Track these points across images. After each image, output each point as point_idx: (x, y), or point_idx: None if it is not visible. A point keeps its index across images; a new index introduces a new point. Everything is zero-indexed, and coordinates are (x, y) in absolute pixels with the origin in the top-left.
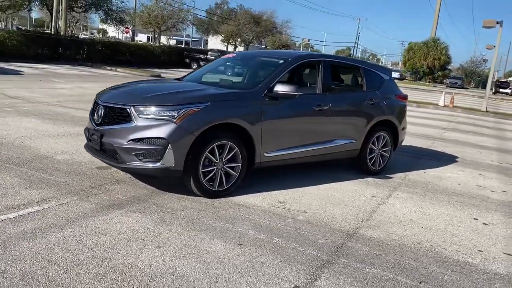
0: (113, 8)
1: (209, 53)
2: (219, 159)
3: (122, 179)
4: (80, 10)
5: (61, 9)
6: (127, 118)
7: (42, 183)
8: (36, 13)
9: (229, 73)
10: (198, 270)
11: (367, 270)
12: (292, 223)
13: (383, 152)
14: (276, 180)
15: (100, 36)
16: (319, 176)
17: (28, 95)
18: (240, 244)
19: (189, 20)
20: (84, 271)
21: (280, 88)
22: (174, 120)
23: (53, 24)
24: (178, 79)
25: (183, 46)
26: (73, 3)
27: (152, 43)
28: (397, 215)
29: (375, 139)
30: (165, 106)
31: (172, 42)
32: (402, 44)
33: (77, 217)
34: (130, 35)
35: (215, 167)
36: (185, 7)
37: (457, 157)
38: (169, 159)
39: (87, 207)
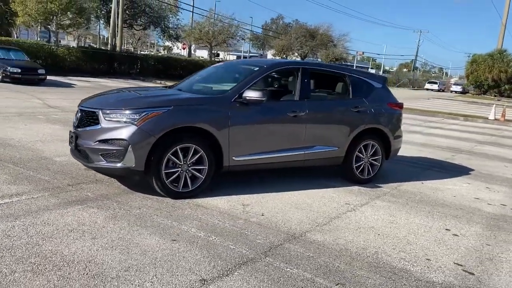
0: (169, 25)
1: None
2: (183, 161)
3: (102, 179)
4: (140, 28)
5: (117, 27)
6: (96, 120)
7: (26, 180)
8: (106, 31)
9: (213, 80)
10: (116, 259)
11: (288, 270)
12: (242, 224)
13: (372, 161)
14: (254, 184)
15: (165, 52)
16: (302, 182)
17: (68, 105)
18: (174, 240)
19: (239, 36)
20: (11, 254)
21: (248, 94)
22: (135, 122)
23: (109, 41)
24: (169, 86)
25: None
26: (132, 21)
27: (205, 58)
28: (359, 221)
29: (362, 147)
30: (128, 109)
31: (233, 57)
32: (468, 56)
33: (37, 210)
34: (187, 51)
35: (180, 169)
36: (235, 23)
37: (472, 170)
38: (130, 160)
39: (52, 201)
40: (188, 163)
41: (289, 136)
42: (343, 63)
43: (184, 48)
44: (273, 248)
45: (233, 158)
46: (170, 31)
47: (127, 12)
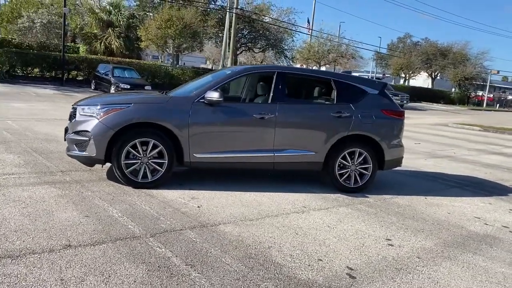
0: (285, 47)
1: None
2: (143, 154)
3: (94, 168)
4: (258, 50)
5: (228, 48)
6: (75, 115)
7: (32, 164)
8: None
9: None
10: (20, 217)
11: (155, 249)
12: (168, 212)
13: (362, 170)
14: (221, 183)
15: None
16: (275, 185)
17: None
18: (86, 216)
19: (350, 54)
20: None
21: (208, 95)
22: (98, 117)
23: (221, 62)
24: (166, 92)
25: None
26: (252, 44)
27: None
28: (293, 222)
29: (346, 154)
30: (95, 106)
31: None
32: None
33: (11, 185)
34: None
35: (140, 161)
36: (346, 41)
37: (508, 189)
38: (92, 149)
39: (31, 181)
40: (148, 156)
41: (256, 138)
42: (475, 82)
43: None
44: (167, 232)
45: (194, 154)
46: (286, 53)
47: (246, 36)
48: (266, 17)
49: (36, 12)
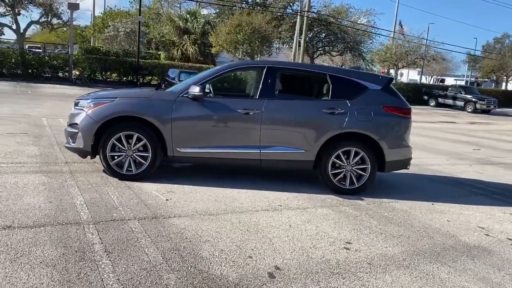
0: (364, 50)
1: (449, 89)
2: (127, 147)
3: (97, 161)
4: (336, 54)
5: (298, 52)
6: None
7: (44, 155)
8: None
9: None
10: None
11: (87, 235)
12: (129, 203)
13: (359, 171)
14: (207, 179)
15: None
16: (264, 183)
17: None
18: (50, 202)
19: (431, 56)
20: None
21: (191, 90)
22: (86, 110)
23: None
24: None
25: (419, 83)
26: (330, 48)
27: (413, 82)
28: (255, 219)
29: (340, 153)
30: (85, 100)
31: (451, 81)
32: None
33: (11, 172)
34: (385, 74)
35: (125, 153)
36: (428, 43)
37: None
38: (80, 141)
39: (31, 169)
40: (132, 149)
41: (241, 134)
42: None
43: (383, 72)
44: (113, 221)
45: (177, 149)
46: (364, 55)
47: (323, 39)
48: (344, 20)
49: (121, 21)
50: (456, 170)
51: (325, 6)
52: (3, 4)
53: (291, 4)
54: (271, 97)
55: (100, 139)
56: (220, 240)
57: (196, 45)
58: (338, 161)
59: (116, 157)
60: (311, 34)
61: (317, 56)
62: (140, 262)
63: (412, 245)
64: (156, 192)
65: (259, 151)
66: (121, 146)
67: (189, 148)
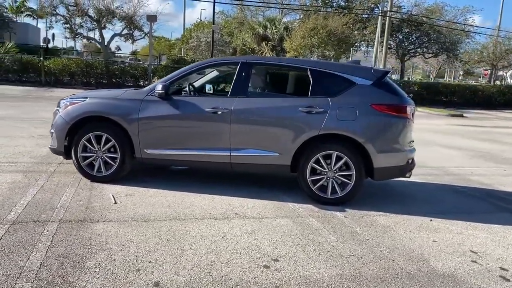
0: (460, 50)
1: None
2: (97, 148)
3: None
4: (430, 55)
5: (379, 54)
6: None
7: (41, 155)
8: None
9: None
10: None
11: None
12: (73, 205)
13: (343, 178)
14: (177, 183)
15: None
16: (249, 189)
17: None
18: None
19: None
20: None
21: (156, 89)
22: (60, 110)
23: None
24: None
25: None
26: (422, 49)
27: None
28: (190, 227)
29: (320, 158)
30: (63, 100)
31: None
32: None
33: None
34: (487, 77)
35: (95, 154)
36: None
37: None
38: (54, 142)
39: (13, 168)
40: (102, 150)
41: (209, 134)
42: None
43: (486, 75)
44: (32, 222)
45: (145, 150)
46: (460, 56)
47: (415, 41)
48: (439, 19)
49: (203, 32)
50: (502, 182)
51: (416, 5)
52: (89, 19)
53: (378, 4)
54: (242, 95)
55: (73, 140)
56: (125, 249)
57: (274, 52)
58: (318, 166)
59: (87, 158)
60: (401, 35)
61: (408, 59)
62: (14, 267)
63: (354, 268)
64: (114, 194)
65: (229, 154)
66: (91, 147)
67: (157, 150)
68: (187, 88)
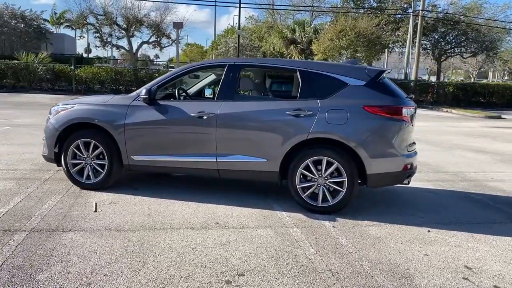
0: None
1: None
2: (85, 155)
3: None
4: (468, 55)
5: (410, 55)
6: None
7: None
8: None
9: None
10: None
11: None
12: (52, 213)
13: (334, 185)
14: (179, 190)
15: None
16: (239, 197)
17: None
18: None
19: None
20: None
21: (141, 94)
22: (50, 117)
23: (404, 70)
24: None
25: None
26: (459, 49)
27: None
28: (162, 238)
29: (309, 164)
30: (54, 107)
31: None
32: None
33: None
34: None
35: (84, 161)
36: None
37: None
38: (45, 149)
39: (13, 176)
40: (91, 157)
41: (195, 140)
42: None
43: None
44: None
45: (132, 157)
46: (501, 55)
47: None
48: (477, 17)
49: (231, 37)
50: None
51: (452, 4)
52: (118, 28)
53: (411, 3)
54: (229, 99)
55: (62, 147)
56: (84, 261)
57: (303, 55)
58: (307, 172)
59: (76, 165)
60: (437, 35)
61: (445, 59)
62: None
63: (326, 285)
64: (97, 202)
65: (215, 160)
66: (80, 154)
67: (143, 156)
68: (176, 93)
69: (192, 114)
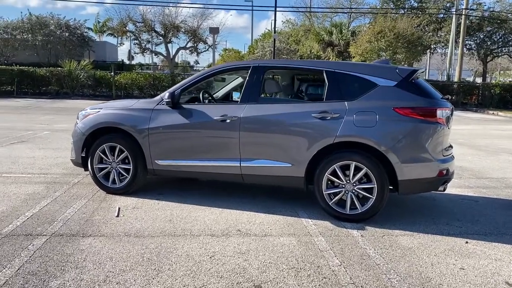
0: None
1: None
2: (111, 159)
3: None
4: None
5: (456, 57)
6: None
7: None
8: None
9: None
10: None
11: None
12: (75, 217)
13: (363, 192)
14: (205, 196)
15: None
16: (267, 203)
17: None
18: (2, 212)
19: None
20: None
21: (165, 97)
22: (78, 121)
23: (447, 71)
24: None
25: None
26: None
27: None
28: (180, 245)
29: (336, 169)
30: (80, 112)
31: None
32: None
33: (14, 183)
34: None
35: (109, 165)
36: None
37: None
38: (73, 153)
39: (44, 180)
40: (116, 161)
41: (218, 144)
42: None
43: None
44: (23, 235)
45: (156, 161)
46: None
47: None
48: None
49: (268, 41)
50: None
51: (497, 1)
52: (156, 34)
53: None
54: (253, 101)
55: (89, 151)
56: (99, 267)
57: (341, 57)
58: (335, 178)
59: (102, 169)
60: (482, 34)
61: (491, 59)
62: None
63: None
64: (121, 207)
65: (239, 165)
66: (106, 158)
67: (167, 160)
68: (200, 96)
69: (215, 118)
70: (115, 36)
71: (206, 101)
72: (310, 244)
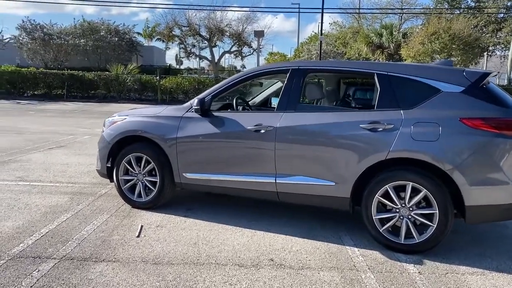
0: None
1: None
2: (137, 170)
3: None
4: None
5: None
6: None
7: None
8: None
9: None
10: None
11: None
12: (92, 237)
13: (421, 218)
14: (235, 212)
15: None
16: (307, 226)
17: None
18: (18, 227)
19: None
20: None
21: (194, 104)
22: (104, 129)
23: (507, 75)
24: None
25: None
26: None
27: None
28: (201, 279)
29: (390, 190)
30: (106, 120)
31: None
32: None
33: (44, 192)
34: None
35: (135, 177)
36: None
37: None
38: (98, 163)
39: (70, 190)
40: (142, 173)
41: (251, 156)
42: None
43: None
44: (18, 258)
45: (184, 174)
46: None
47: None
48: None
49: (314, 44)
50: None
51: None
52: (201, 38)
53: None
54: (291, 109)
55: (115, 161)
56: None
57: (391, 60)
58: (386, 201)
59: (128, 181)
60: None
61: None
62: None
63: None
64: (144, 225)
65: (274, 181)
66: (132, 170)
67: (196, 174)
68: (234, 103)
69: (248, 127)
70: (163, 41)
71: (240, 108)
72: (356, 283)
